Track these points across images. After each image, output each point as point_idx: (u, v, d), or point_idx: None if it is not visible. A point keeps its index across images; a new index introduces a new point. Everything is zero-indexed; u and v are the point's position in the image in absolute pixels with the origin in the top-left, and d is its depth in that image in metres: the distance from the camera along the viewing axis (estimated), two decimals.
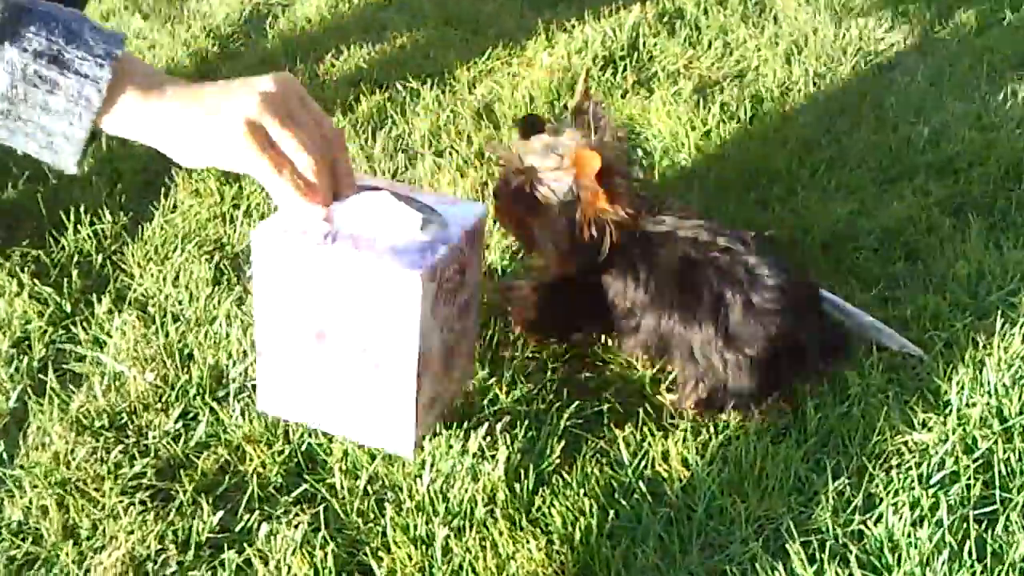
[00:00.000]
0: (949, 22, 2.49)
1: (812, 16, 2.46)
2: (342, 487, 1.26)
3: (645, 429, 1.33)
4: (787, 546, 1.16)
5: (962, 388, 1.37)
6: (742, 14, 2.49)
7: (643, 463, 1.29)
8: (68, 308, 1.53)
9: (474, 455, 1.28)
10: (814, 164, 1.89)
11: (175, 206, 1.77)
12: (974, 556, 1.14)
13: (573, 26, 2.40)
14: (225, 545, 1.19)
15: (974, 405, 1.35)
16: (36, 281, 1.56)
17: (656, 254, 1.34)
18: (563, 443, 1.31)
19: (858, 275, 1.61)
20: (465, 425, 1.32)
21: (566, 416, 1.35)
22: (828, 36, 2.36)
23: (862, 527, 1.20)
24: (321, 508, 1.23)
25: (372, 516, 1.24)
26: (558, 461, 1.29)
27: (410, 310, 1.04)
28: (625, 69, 2.21)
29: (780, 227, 1.68)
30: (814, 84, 2.19)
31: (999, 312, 1.50)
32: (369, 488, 1.27)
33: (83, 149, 0.85)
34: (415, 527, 1.20)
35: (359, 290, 1.06)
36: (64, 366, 1.44)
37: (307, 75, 2.24)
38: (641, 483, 1.26)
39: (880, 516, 1.20)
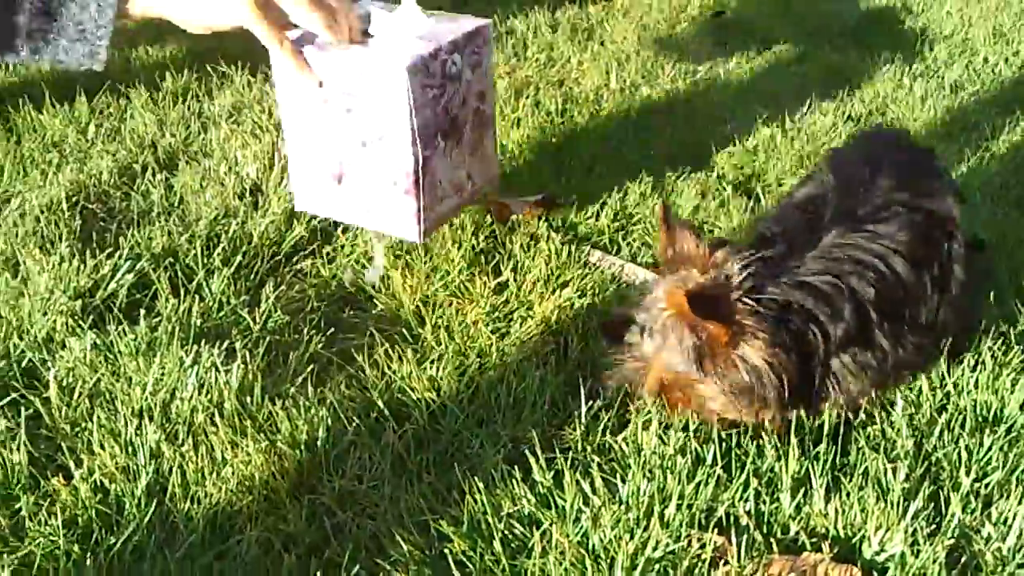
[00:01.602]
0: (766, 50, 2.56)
1: (636, 40, 2.49)
2: (57, 398, 1.15)
3: (395, 353, 1.26)
4: (530, 459, 1.09)
5: None
6: (569, 35, 2.50)
7: (389, 386, 1.22)
8: None
9: (206, 368, 1.19)
10: (616, 149, 1.88)
11: None
12: (717, 460, 1.09)
13: None
14: None
15: None
16: None
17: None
18: (312, 367, 1.23)
19: None
20: (203, 342, 1.23)
21: (315, 342, 1.27)
22: (648, 56, 2.39)
23: (610, 441, 1.14)
24: (26, 414, 1.12)
25: (84, 424, 1.13)
26: (301, 381, 1.21)
27: (398, 96, 1.10)
28: None
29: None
30: (630, 92, 2.20)
31: None
32: (88, 401, 1.16)
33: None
34: (126, 432, 1.10)
35: (355, 85, 1.12)
36: None
37: (118, 59, 2.17)
38: (383, 404, 1.18)
39: (633, 434, 1.14)
